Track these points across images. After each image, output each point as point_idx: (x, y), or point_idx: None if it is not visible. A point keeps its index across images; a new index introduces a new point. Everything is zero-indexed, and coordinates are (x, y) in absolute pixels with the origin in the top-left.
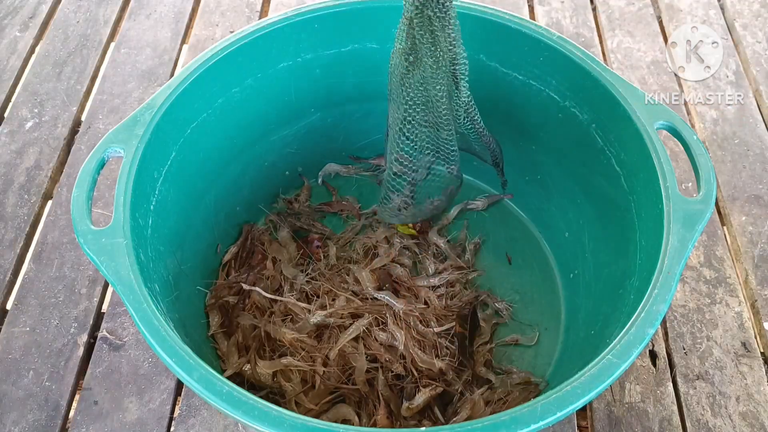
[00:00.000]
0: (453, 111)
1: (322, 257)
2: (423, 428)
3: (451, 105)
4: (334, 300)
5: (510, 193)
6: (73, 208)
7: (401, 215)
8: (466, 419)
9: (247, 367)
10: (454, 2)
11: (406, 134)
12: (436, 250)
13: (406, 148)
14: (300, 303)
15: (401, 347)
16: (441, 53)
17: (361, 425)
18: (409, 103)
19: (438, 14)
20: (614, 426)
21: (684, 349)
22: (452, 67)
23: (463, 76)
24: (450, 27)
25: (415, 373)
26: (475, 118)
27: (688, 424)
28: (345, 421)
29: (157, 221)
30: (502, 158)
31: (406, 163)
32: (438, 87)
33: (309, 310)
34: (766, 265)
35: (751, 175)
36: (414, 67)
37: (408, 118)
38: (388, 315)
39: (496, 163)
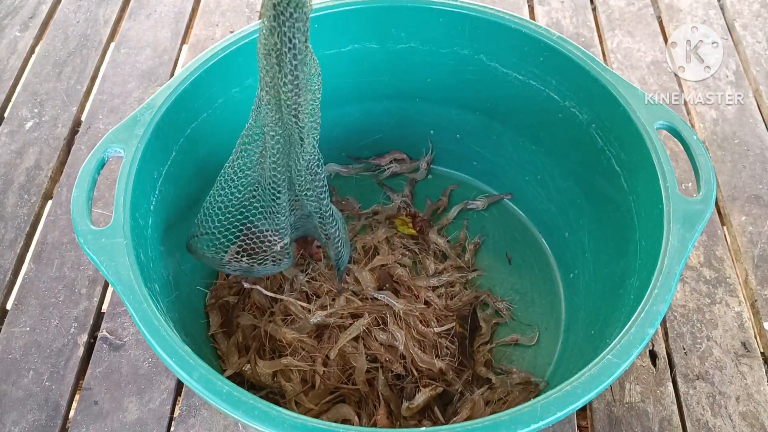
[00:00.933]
0: (292, 171)
1: (322, 257)
2: (423, 428)
3: (291, 164)
4: (334, 300)
5: (510, 193)
6: (73, 208)
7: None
8: (466, 419)
9: (247, 367)
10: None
11: (234, 169)
12: (436, 250)
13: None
14: (300, 303)
15: (401, 347)
16: (282, 95)
17: (361, 425)
18: (244, 146)
19: (285, 36)
20: (614, 426)
21: (684, 349)
22: (293, 119)
23: (312, 132)
24: (292, 61)
25: (415, 373)
26: (319, 190)
27: (688, 424)
28: (345, 421)
29: (157, 221)
30: (347, 256)
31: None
32: (275, 136)
33: (309, 310)
34: (766, 265)
35: (751, 175)
36: (261, 101)
37: (238, 157)
38: (388, 315)
39: (338, 262)
